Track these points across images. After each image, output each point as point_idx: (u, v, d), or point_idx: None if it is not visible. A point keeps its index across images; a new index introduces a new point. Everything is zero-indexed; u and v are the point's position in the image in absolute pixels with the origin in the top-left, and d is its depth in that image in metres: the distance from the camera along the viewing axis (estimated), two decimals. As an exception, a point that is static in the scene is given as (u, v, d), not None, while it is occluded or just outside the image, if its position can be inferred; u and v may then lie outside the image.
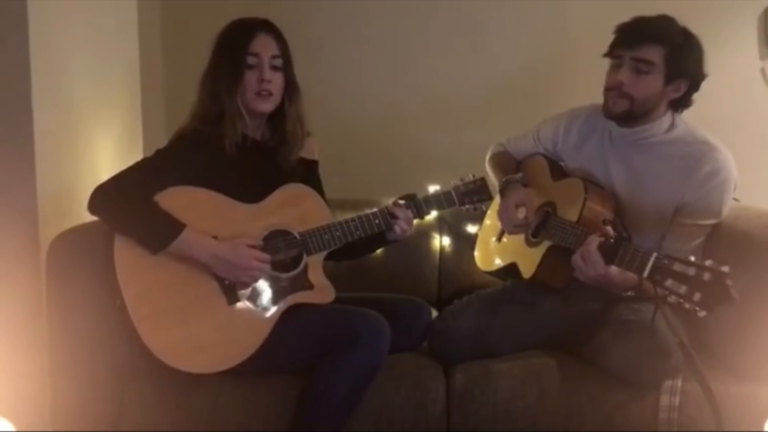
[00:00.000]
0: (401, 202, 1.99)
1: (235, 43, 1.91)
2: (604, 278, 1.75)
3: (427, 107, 3.03)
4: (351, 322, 1.81)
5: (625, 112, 1.93)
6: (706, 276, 1.55)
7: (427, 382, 1.89)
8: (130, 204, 1.79)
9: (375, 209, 1.96)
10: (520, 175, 2.16)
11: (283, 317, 1.85)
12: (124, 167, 1.87)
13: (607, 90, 1.96)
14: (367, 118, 3.02)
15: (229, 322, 1.82)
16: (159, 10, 2.99)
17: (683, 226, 1.94)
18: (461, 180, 2.07)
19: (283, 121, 1.97)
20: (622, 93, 1.91)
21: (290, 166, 1.99)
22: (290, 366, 1.86)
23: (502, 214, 2.12)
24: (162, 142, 1.95)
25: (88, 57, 2.23)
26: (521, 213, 2.07)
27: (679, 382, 1.81)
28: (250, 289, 1.84)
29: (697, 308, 1.56)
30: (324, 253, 1.92)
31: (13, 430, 1.74)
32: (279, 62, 1.93)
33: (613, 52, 1.94)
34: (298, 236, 1.89)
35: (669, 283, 1.60)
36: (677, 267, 1.60)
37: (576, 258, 1.78)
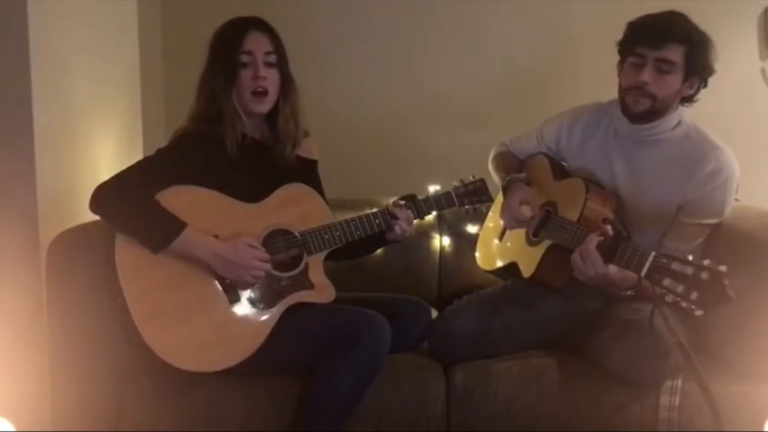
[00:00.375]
0: (401, 202, 1.99)
1: (228, 43, 1.91)
2: (603, 277, 1.76)
3: (428, 107, 3.02)
4: (352, 322, 1.81)
5: (647, 110, 1.92)
6: (704, 275, 1.55)
7: (427, 382, 1.89)
8: (131, 203, 1.79)
9: (375, 209, 1.97)
10: (523, 174, 2.16)
11: (284, 317, 1.85)
12: (124, 167, 1.87)
13: (628, 90, 1.93)
14: (367, 118, 3.02)
15: (229, 321, 1.82)
16: (159, 10, 2.99)
17: (684, 225, 1.94)
18: (461, 181, 2.08)
19: (278, 118, 1.97)
20: (644, 92, 1.90)
21: (288, 165, 1.98)
22: (290, 365, 1.86)
23: (505, 210, 2.11)
24: (162, 142, 1.96)
25: (89, 57, 2.23)
26: (525, 210, 2.07)
27: (679, 382, 1.81)
28: (251, 288, 1.84)
29: (693, 307, 1.56)
30: (324, 253, 1.92)
31: (13, 430, 1.74)
32: (273, 58, 1.93)
33: (634, 51, 1.91)
34: (298, 236, 1.89)
35: (667, 282, 1.61)
36: (675, 266, 1.60)
37: (575, 257, 1.78)
